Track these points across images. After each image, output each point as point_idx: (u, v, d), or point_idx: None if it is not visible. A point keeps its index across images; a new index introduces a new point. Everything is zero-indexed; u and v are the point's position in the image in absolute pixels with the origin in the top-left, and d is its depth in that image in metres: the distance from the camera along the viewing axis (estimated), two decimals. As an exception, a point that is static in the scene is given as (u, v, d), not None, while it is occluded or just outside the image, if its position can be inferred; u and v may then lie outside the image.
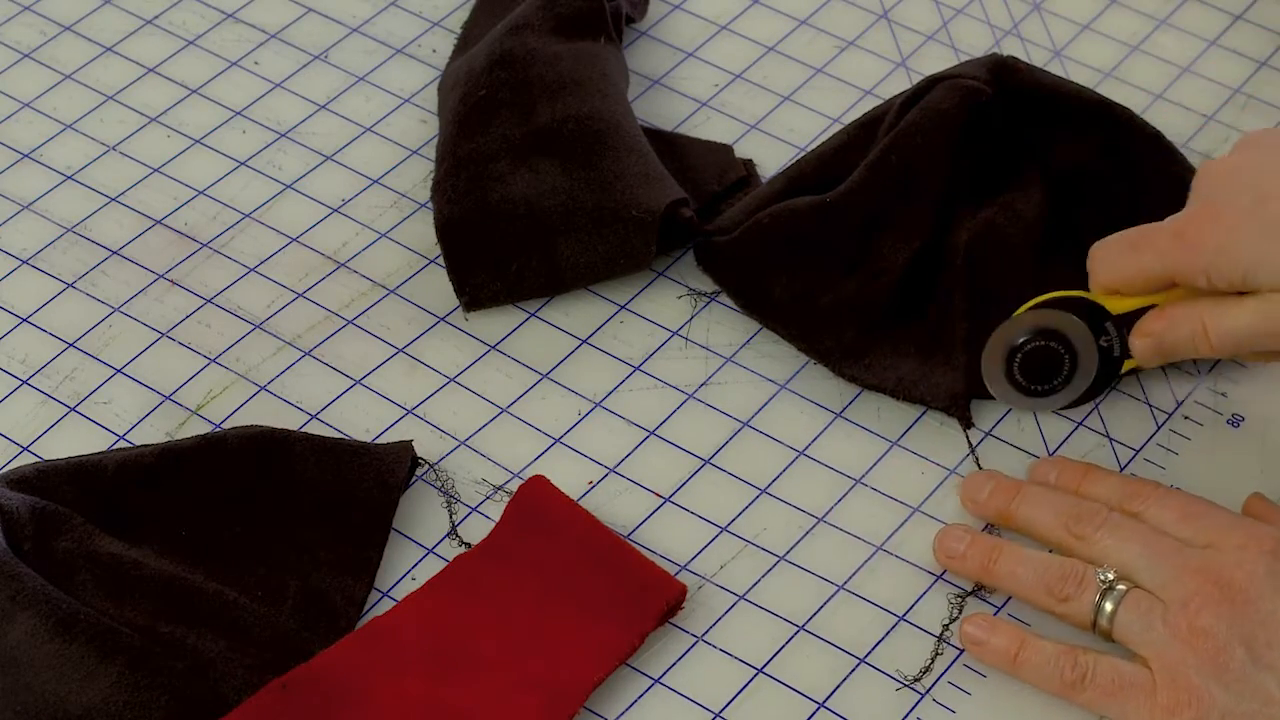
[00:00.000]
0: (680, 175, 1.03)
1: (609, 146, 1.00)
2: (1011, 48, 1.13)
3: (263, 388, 0.96)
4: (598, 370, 0.98)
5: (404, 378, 0.97)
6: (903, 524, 0.92)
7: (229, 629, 0.86)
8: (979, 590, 0.89)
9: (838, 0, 1.15)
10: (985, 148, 0.99)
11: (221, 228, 1.03)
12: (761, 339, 0.99)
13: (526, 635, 0.86)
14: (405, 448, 0.92)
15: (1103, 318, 0.90)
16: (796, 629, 0.88)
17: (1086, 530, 0.87)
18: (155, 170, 1.06)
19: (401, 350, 0.98)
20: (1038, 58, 1.12)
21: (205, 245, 1.02)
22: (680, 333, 0.99)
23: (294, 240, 1.03)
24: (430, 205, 1.02)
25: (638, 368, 0.98)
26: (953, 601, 0.89)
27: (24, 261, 1.02)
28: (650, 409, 0.96)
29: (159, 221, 1.03)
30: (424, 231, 1.03)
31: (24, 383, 0.96)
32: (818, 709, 0.86)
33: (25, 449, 0.94)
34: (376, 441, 0.94)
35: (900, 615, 0.89)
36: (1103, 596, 0.85)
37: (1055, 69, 1.11)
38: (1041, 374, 0.92)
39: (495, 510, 0.92)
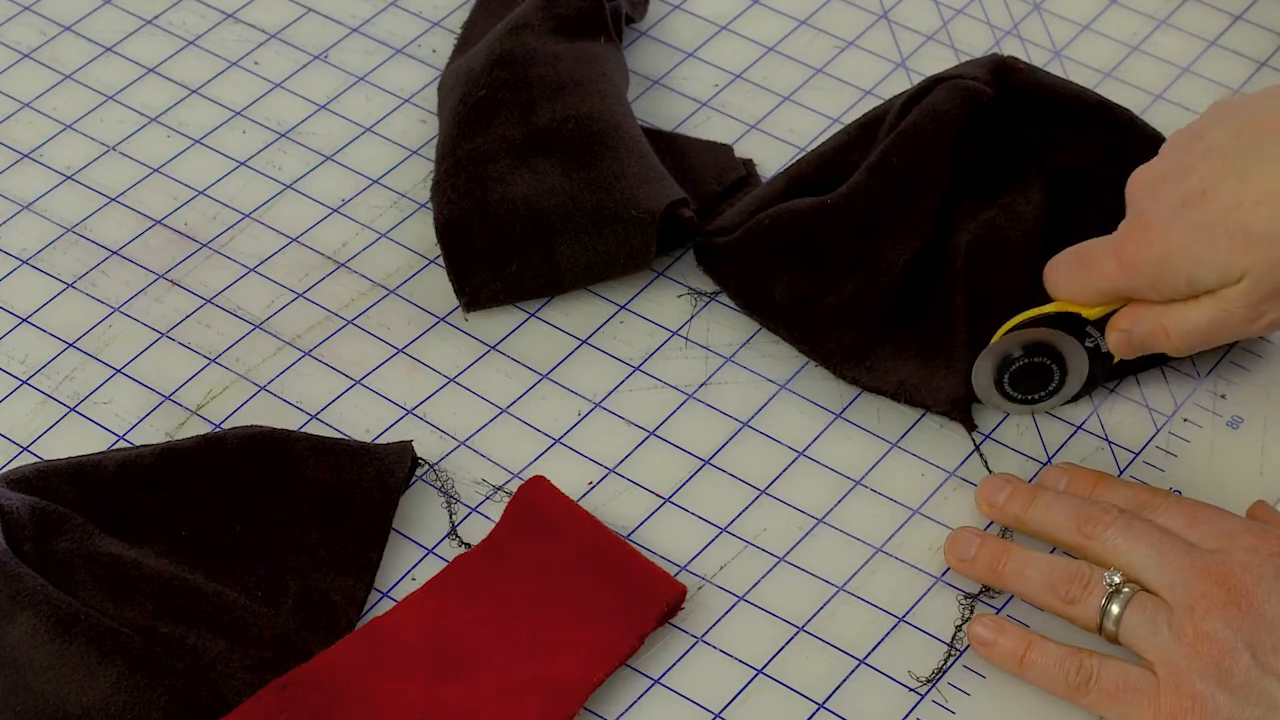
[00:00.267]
0: (680, 175, 1.03)
1: (609, 147, 1.00)
2: (1011, 48, 1.13)
3: (263, 388, 0.96)
4: (598, 370, 0.98)
5: (404, 378, 0.97)
6: (902, 525, 0.92)
7: (229, 629, 0.86)
8: (984, 593, 0.89)
9: (838, 0, 1.15)
10: (986, 148, 0.99)
11: (221, 228, 1.03)
12: (761, 339, 0.99)
13: (526, 636, 0.86)
14: (405, 448, 0.92)
15: (1082, 323, 0.92)
16: (796, 630, 0.88)
17: (1096, 530, 0.87)
18: (155, 170, 1.06)
19: (401, 350, 0.98)
20: (1038, 58, 1.12)
21: (205, 245, 1.02)
22: (680, 333, 0.99)
23: (294, 240, 1.03)
24: (430, 205, 1.02)
25: (638, 368, 0.98)
26: (962, 603, 0.89)
27: (24, 261, 1.02)
28: (650, 409, 0.96)
29: (159, 221, 1.03)
30: (424, 231, 1.03)
31: (24, 383, 0.97)
32: (817, 710, 0.86)
33: (25, 449, 0.94)
34: (376, 441, 0.94)
35: (900, 616, 0.89)
36: (1109, 599, 0.85)
37: (1055, 69, 1.11)
38: (1032, 384, 0.93)
39: (495, 510, 0.92)
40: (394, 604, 0.88)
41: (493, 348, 0.98)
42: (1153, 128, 1.01)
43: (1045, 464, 0.94)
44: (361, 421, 0.95)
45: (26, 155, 1.06)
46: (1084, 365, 0.93)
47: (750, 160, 1.06)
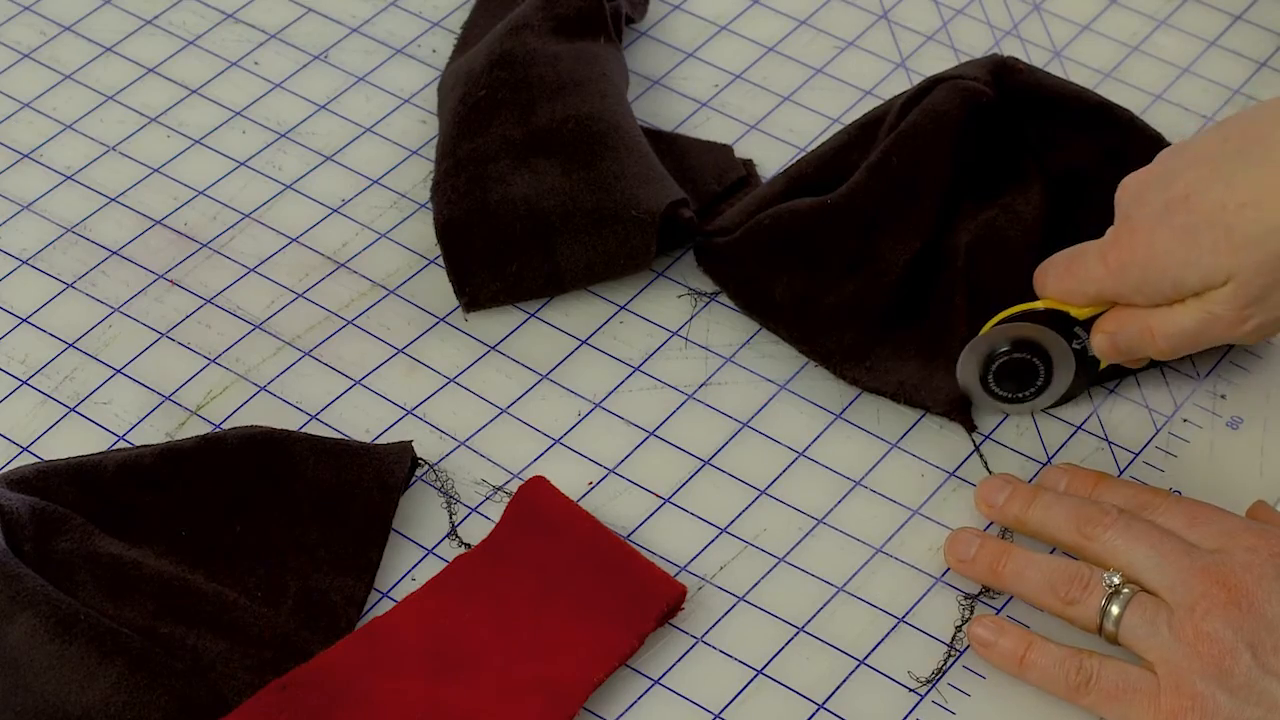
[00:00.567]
0: (680, 175, 1.03)
1: (609, 147, 1.00)
2: (1011, 48, 1.13)
3: (263, 388, 0.96)
4: (598, 371, 0.98)
5: (404, 378, 0.97)
6: (902, 526, 0.92)
7: (229, 629, 0.86)
8: (984, 593, 0.89)
9: (838, 0, 1.15)
10: (986, 148, 0.99)
11: (221, 228, 1.03)
12: (761, 339, 0.99)
13: (526, 636, 0.86)
14: (405, 448, 0.92)
15: (1070, 323, 0.92)
16: (796, 630, 0.88)
17: (1096, 530, 0.87)
18: (155, 170, 1.06)
19: (401, 350, 0.98)
20: (1038, 58, 1.12)
21: (205, 245, 1.02)
22: (680, 333, 0.99)
23: (294, 240, 1.03)
24: (430, 205, 1.02)
25: (637, 368, 0.98)
26: (963, 604, 0.89)
27: (24, 261, 1.02)
28: (650, 409, 0.96)
29: (159, 221, 1.03)
30: (424, 231, 1.03)
31: (24, 383, 0.97)
32: (817, 710, 0.86)
33: (25, 449, 0.94)
34: (376, 442, 0.94)
35: (900, 617, 0.89)
36: (1109, 600, 0.85)
37: (1055, 69, 1.11)
38: (1017, 382, 0.93)
39: (495, 511, 0.92)
40: (394, 604, 0.88)
41: (493, 348, 0.98)
42: (1153, 129, 1.01)
43: (1045, 464, 0.94)
44: (361, 422, 0.95)
45: (26, 155, 1.07)
46: (1070, 367, 0.93)
47: (750, 160, 1.06)
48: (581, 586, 0.87)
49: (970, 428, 0.95)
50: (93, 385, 0.96)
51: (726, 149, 1.07)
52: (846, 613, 0.89)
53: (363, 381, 0.97)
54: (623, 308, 1.00)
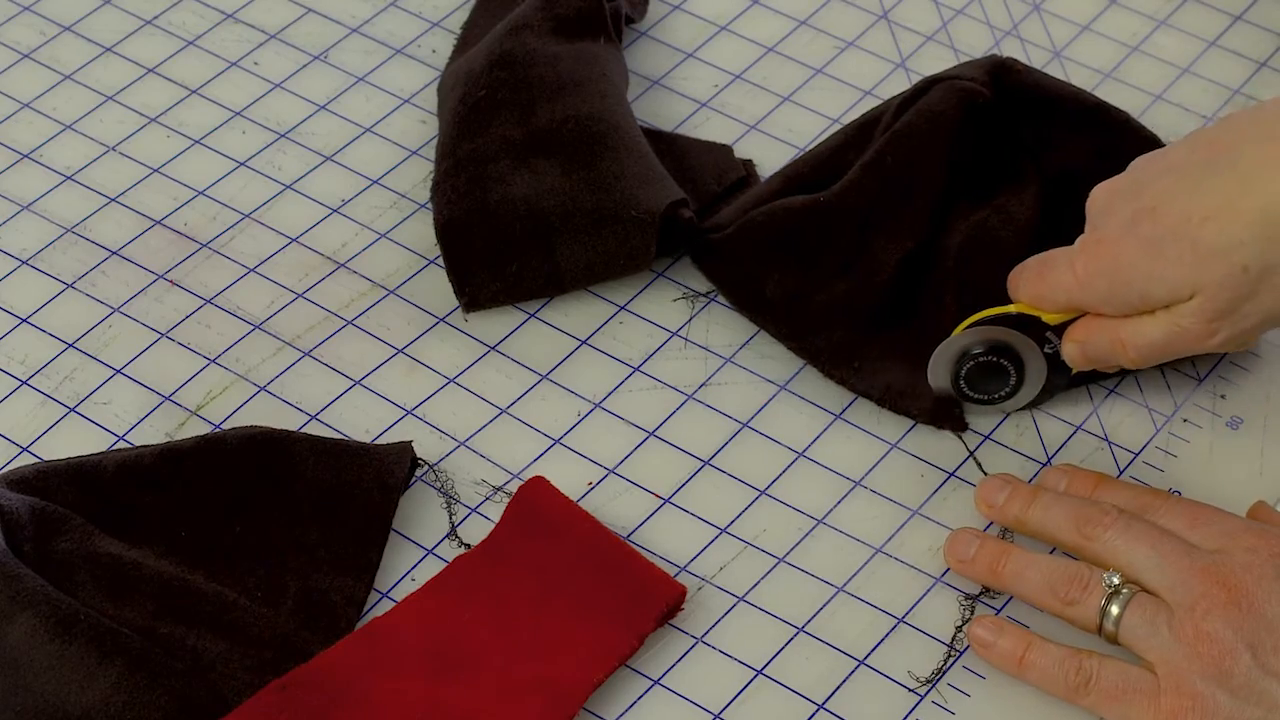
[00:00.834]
0: (680, 175, 1.03)
1: (609, 147, 1.00)
2: (1011, 48, 1.13)
3: (262, 388, 0.96)
4: (597, 371, 0.98)
5: (404, 378, 0.97)
6: (902, 526, 0.92)
7: (229, 629, 0.86)
8: (985, 594, 0.89)
9: (838, 0, 1.15)
10: (982, 149, 0.99)
11: (221, 228, 1.03)
12: (761, 340, 0.99)
13: (526, 636, 0.86)
14: (405, 448, 0.92)
15: (1042, 327, 0.92)
16: (796, 630, 0.88)
17: (1096, 531, 0.87)
18: (155, 170, 1.06)
19: (401, 351, 0.98)
20: (1037, 58, 1.12)
21: (205, 245, 1.02)
22: (680, 333, 0.99)
23: (294, 240, 1.03)
24: (430, 205, 1.02)
25: (637, 368, 0.98)
26: (963, 604, 0.89)
27: (24, 261, 1.02)
28: (650, 410, 0.96)
29: (159, 221, 1.03)
30: (424, 232, 1.03)
31: (24, 383, 0.97)
32: (817, 710, 0.86)
33: (25, 449, 0.94)
34: (376, 442, 0.94)
35: (900, 617, 0.89)
36: (1109, 600, 0.85)
37: (1055, 70, 1.11)
38: (989, 384, 0.94)
39: (495, 511, 0.92)
40: (394, 604, 0.88)
41: (493, 348, 0.98)
42: (1149, 130, 1.01)
43: (1045, 464, 0.94)
44: (361, 422, 0.95)
45: (26, 155, 1.07)
46: (1042, 370, 0.94)
47: (750, 160, 1.06)
48: (581, 587, 0.87)
49: (961, 429, 0.95)
50: (93, 385, 0.96)
51: (726, 149, 1.07)
52: (846, 613, 0.89)
53: (363, 381, 0.97)
54: (622, 308, 1.00)
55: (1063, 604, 0.86)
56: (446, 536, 0.91)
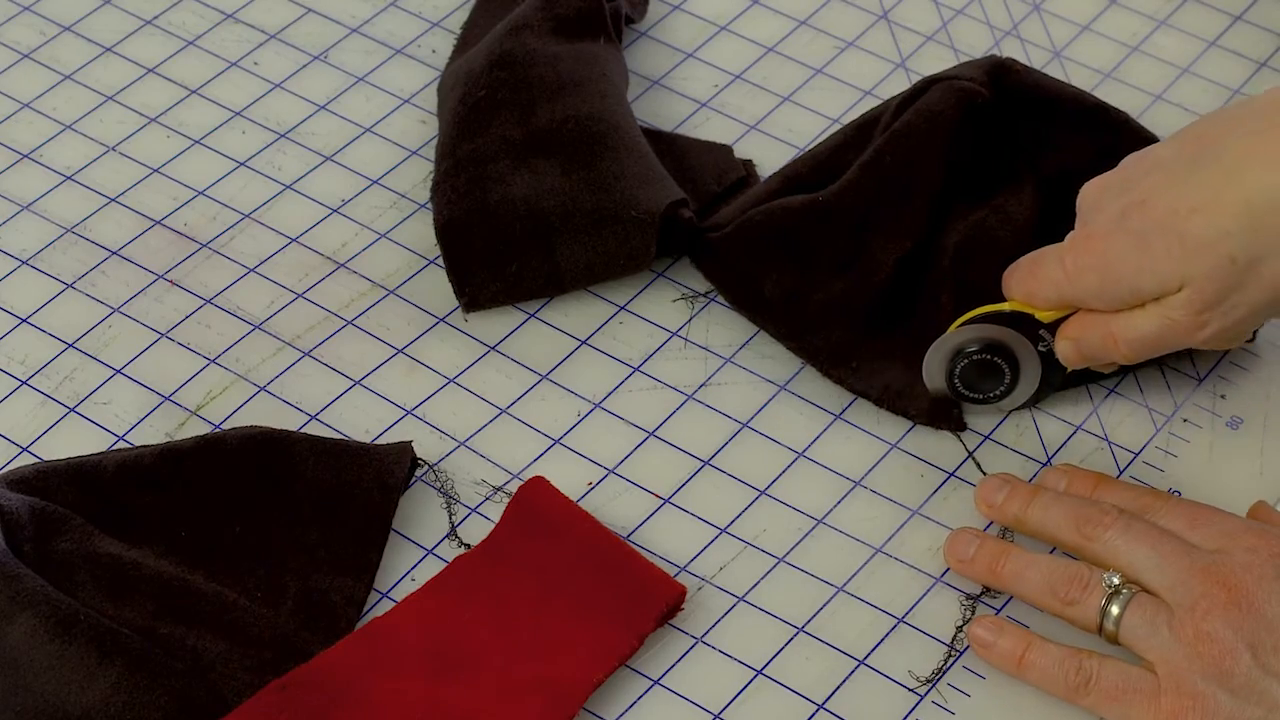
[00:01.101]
0: (680, 175, 1.03)
1: (608, 147, 1.00)
2: (1011, 48, 1.13)
3: (262, 388, 0.96)
4: (597, 371, 0.98)
5: (404, 378, 0.97)
6: (902, 526, 0.92)
7: (229, 629, 0.86)
8: (986, 594, 0.89)
9: (838, 0, 1.15)
10: (981, 149, 0.99)
11: (221, 228, 1.03)
12: (760, 340, 0.99)
13: (526, 636, 0.86)
14: (405, 448, 0.92)
15: (1036, 325, 0.92)
16: (796, 630, 0.88)
17: (1096, 531, 0.87)
18: (155, 170, 1.06)
19: (401, 351, 0.98)
20: (1037, 58, 1.12)
21: (205, 245, 1.02)
22: (680, 333, 0.99)
23: (294, 240, 1.03)
24: (430, 205, 1.02)
25: (637, 369, 0.98)
26: (964, 604, 0.89)
27: (24, 262, 1.02)
28: (650, 410, 0.96)
29: (159, 222, 1.04)
30: (424, 232, 1.03)
31: (24, 383, 0.97)
32: (817, 710, 0.86)
33: (25, 449, 0.94)
34: (376, 442, 0.94)
35: (899, 617, 0.89)
36: (1109, 600, 0.85)
37: (1055, 70, 1.11)
38: (983, 382, 0.94)
39: (495, 511, 0.92)
40: (394, 604, 0.88)
41: (492, 348, 0.98)
42: (1148, 130, 1.01)
43: (1045, 464, 0.94)
44: (361, 422, 0.95)
45: (26, 155, 1.07)
46: (1036, 368, 0.94)
47: (750, 160, 1.06)
48: (581, 587, 0.87)
49: (959, 429, 0.95)
50: (93, 385, 0.96)
51: (726, 149, 1.07)
52: (846, 613, 0.89)
53: (363, 382, 0.97)
54: (622, 308, 1.00)
55: (1063, 604, 0.86)
56: (446, 536, 0.91)
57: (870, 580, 0.90)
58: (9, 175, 1.05)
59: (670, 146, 1.06)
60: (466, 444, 0.95)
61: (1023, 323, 0.92)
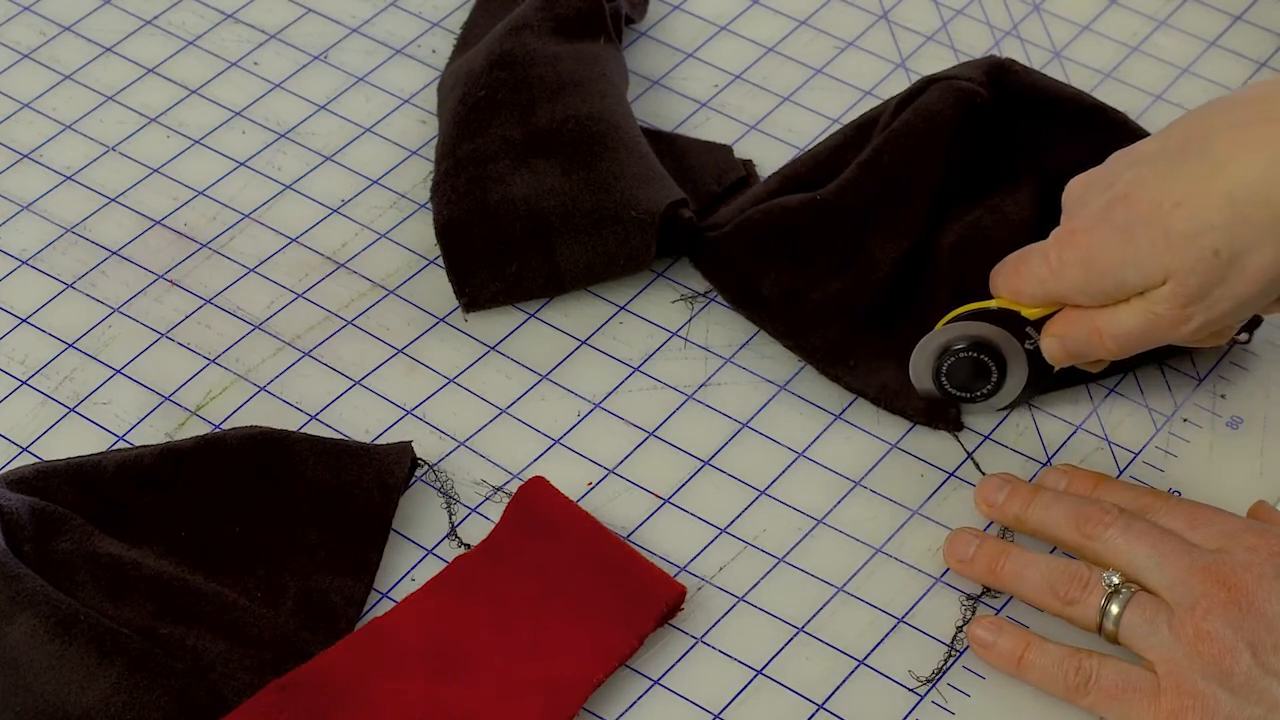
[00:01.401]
0: (680, 176, 1.03)
1: (608, 147, 1.00)
2: (1011, 48, 1.13)
3: (262, 388, 0.96)
4: (597, 371, 0.98)
5: (404, 378, 0.97)
6: (902, 526, 0.92)
7: (229, 629, 0.86)
8: (986, 594, 0.89)
9: (838, 0, 1.15)
10: (979, 149, 0.99)
11: (221, 228, 1.03)
12: (760, 340, 0.99)
13: (526, 636, 0.86)
14: (405, 448, 0.92)
15: (1022, 322, 0.92)
16: (796, 630, 0.88)
17: (1096, 530, 0.87)
18: (155, 170, 1.06)
19: (401, 351, 0.98)
20: (1037, 59, 1.12)
21: (205, 245, 1.02)
22: (680, 333, 0.99)
23: (294, 240, 1.03)
24: (430, 205, 1.02)
25: (637, 369, 0.98)
26: (964, 604, 0.89)
27: (24, 262, 1.02)
28: (650, 410, 0.96)
29: (159, 222, 1.04)
30: (424, 232, 1.03)
31: (24, 383, 0.97)
32: (817, 710, 0.86)
33: (25, 449, 0.94)
34: (376, 442, 0.94)
35: (899, 617, 0.89)
36: (1109, 599, 0.85)
37: (1055, 70, 1.11)
38: (970, 380, 0.94)
39: (495, 511, 0.92)
40: (394, 604, 0.88)
41: (492, 348, 0.98)
42: (1146, 130, 1.01)
43: (1045, 464, 0.94)
44: (361, 422, 0.95)
45: (26, 155, 1.07)
46: (1023, 366, 0.94)
47: (750, 160, 1.06)
48: (581, 587, 0.87)
49: (956, 429, 0.95)
50: (93, 385, 0.96)
51: (726, 149, 1.07)
52: (846, 613, 0.89)
53: (362, 382, 0.97)
54: (622, 308, 1.00)
55: (1063, 603, 0.86)
56: (446, 536, 0.91)
57: (870, 580, 0.90)
58: (9, 175, 1.06)
59: (670, 146, 1.06)
60: (466, 444, 0.95)
61: (1009, 320, 0.92)
